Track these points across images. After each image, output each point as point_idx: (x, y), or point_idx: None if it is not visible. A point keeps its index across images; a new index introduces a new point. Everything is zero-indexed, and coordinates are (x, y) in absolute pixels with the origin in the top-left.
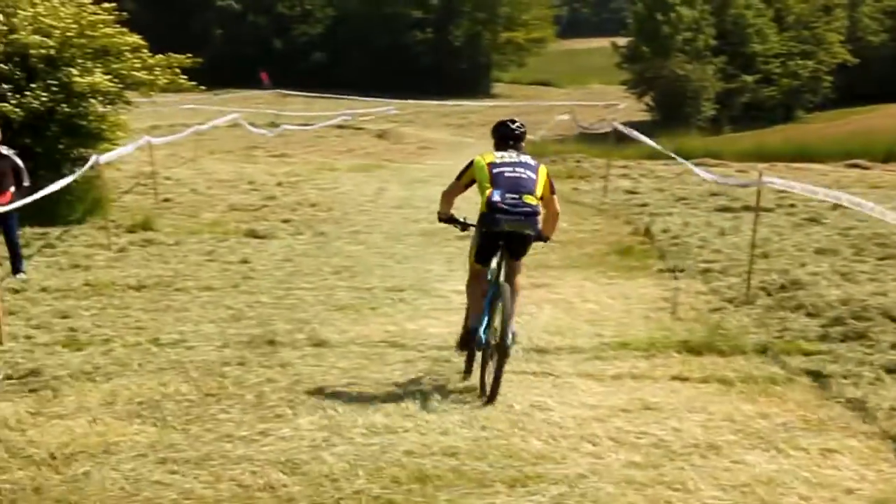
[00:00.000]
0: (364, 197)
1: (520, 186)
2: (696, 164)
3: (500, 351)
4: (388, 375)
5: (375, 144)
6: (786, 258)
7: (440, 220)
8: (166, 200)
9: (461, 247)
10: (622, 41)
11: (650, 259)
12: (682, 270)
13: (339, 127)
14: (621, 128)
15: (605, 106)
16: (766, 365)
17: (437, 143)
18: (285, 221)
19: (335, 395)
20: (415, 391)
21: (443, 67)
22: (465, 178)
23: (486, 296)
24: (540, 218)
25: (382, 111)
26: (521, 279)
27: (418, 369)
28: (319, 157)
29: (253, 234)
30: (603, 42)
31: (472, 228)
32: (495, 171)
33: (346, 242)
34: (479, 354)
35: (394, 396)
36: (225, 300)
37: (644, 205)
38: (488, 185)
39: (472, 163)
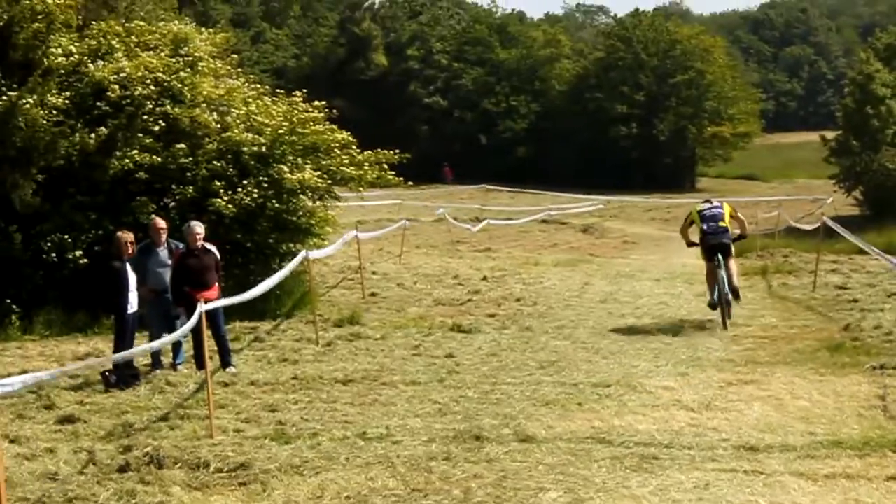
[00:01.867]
0: (569, 292)
1: (716, 218)
2: None
3: (728, 300)
4: (596, 472)
5: (580, 239)
6: None
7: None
8: (373, 295)
9: (668, 342)
10: (830, 134)
11: (862, 356)
12: (895, 368)
13: (544, 221)
14: (830, 223)
15: (812, 200)
16: None
17: (641, 237)
18: (490, 316)
19: (542, 492)
20: (622, 490)
21: (647, 162)
22: (688, 220)
23: (716, 279)
24: (729, 233)
25: (587, 206)
26: (732, 262)
27: (626, 466)
28: (524, 252)
29: (458, 329)
30: (810, 136)
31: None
32: (702, 213)
33: (552, 337)
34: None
35: (601, 493)
36: (431, 394)
37: (855, 300)
38: (699, 222)
39: (689, 213)
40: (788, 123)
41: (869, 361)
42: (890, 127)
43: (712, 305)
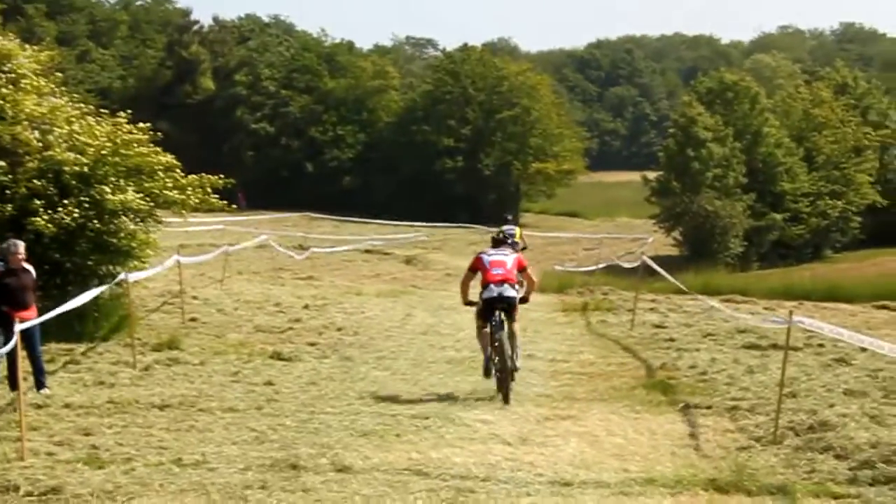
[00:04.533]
0: (390, 322)
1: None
2: (724, 301)
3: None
4: None
5: (403, 270)
6: (814, 398)
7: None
8: (193, 320)
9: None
10: (652, 175)
11: (677, 395)
12: (708, 407)
13: (367, 251)
14: (649, 262)
15: (633, 239)
16: None
17: (463, 270)
18: (311, 344)
19: None
20: None
21: (472, 196)
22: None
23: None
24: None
25: (411, 237)
26: (516, 326)
27: (442, 499)
28: (346, 281)
29: (278, 357)
30: (632, 175)
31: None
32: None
33: (372, 367)
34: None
35: None
36: (248, 422)
37: (671, 339)
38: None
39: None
40: (612, 162)
41: (683, 400)
42: (710, 170)
43: (488, 371)
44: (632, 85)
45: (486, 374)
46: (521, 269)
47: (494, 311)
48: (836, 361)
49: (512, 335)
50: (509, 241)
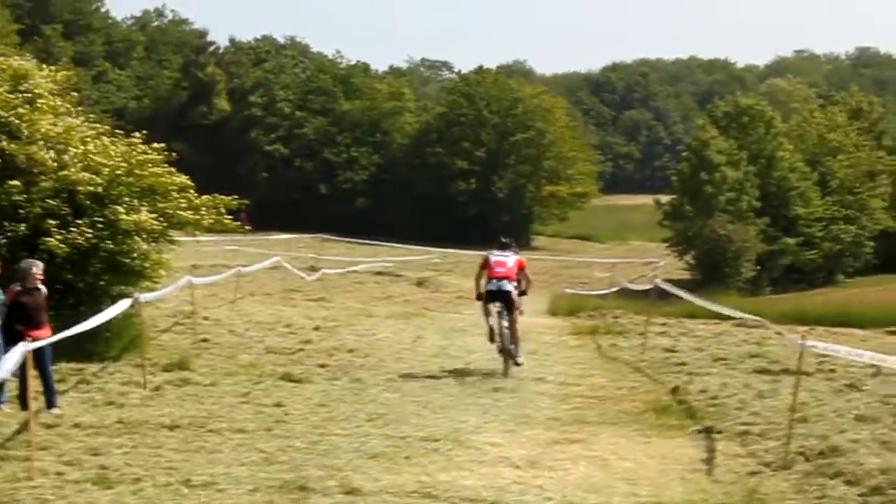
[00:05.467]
0: (401, 344)
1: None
2: (736, 326)
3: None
4: None
5: (414, 292)
6: (825, 424)
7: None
8: (204, 341)
9: (497, 398)
10: (665, 198)
11: (688, 419)
12: (719, 432)
13: (379, 273)
14: (663, 285)
15: (645, 263)
16: None
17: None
18: (321, 366)
19: None
20: None
21: (485, 218)
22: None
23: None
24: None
25: (423, 259)
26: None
27: None
28: (358, 303)
29: (288, 378)
30: (645, 199)
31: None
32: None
33: (382, 389)
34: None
35: None
36: (258, 443)
37: (682, 363)
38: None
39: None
40: (625, 186)
41: (694, 425)
42: (723, 193)
43: (492, 337)
44: (646, 108)
45: (491, 339)
46: (521, 269)
47: (494, 301)
48: (848, 387)
49: (512, 327)
50: (512, 245)
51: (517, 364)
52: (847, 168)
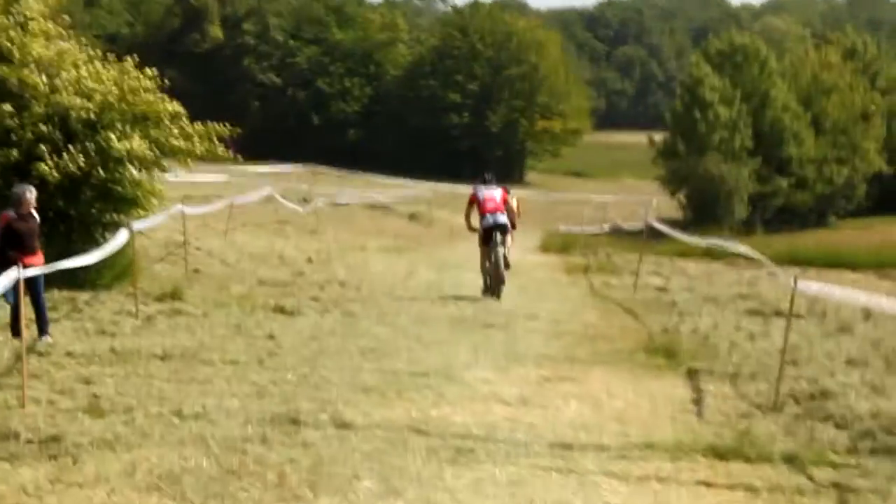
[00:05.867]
0: (393, 278)
1: (494, 199)
2: (727, 265)
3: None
4: (411, 462)
5: (406, 226)
6: (815, 366)
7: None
8: (196, 271)
9: (488, 335)
10: (658, 136)
11: (678, 359)
12: (710, 373)
13: (371, 207)
14: (657, 225)
15: (637, 202)
16: (793, 475)
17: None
18: (313, 299)
19: (356, 480)
20: (437, 482)
21: (478, 152)
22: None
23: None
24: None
25: (415, 193)
26: (508, 237)
27: (441, 458)
28: (350, 236)
29: (280, 310)
30: (638, 136)
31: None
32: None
33: (374, 323)
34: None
35: (415, 484)
36: (249, 375)
37: (673, 303)
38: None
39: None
40: (618, 122)
41: (684, 365)
42: (716, 132)
43: (486, 292)
44: (640, 45)
45: (484, 292)
46: (506, 202)
47: (492, 234)
48: (839, 330)
49: (505, 244)
50: (492, 180)
51: (501, 284)
52: (841, 109)
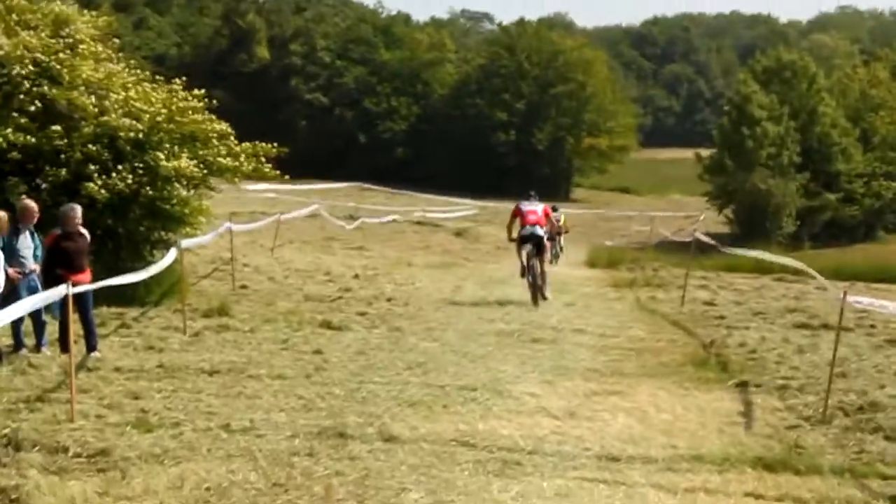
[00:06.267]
0: (440, 294)
1: (534, 213)
2: (776, 280)
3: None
4: (458, 475)
5: (453, 242)
6: (864, 379)
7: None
8: (243, 287)
9: (536, 349)
10: (706, 152)
11: (726, 372)
12: (758, 385)
13: (418, 223)
14: (704, 238)
15: (685, 217)
16: (843, 487)
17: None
18: (360, 314)
19: (403, 492)
20: (484, 494)
21: (524, 170)
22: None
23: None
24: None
25: (462, 210)
26: (545, 256)
27: (488, 470)
28: (396, 252)
29: (327, 326)
30: (685, 153)
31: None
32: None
33: (421, 338)
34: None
35: (462, 497)
36: (297, 389)
37: (721, 317)
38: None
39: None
40: (665, 139)
41: (732, 378)
42: (764, 148)
43: (524, 272)
44: (687, 62)
45: (523, 274)
46: (547, 216)
47: (527, 244)
48: (888, 342)
49: (542, 266)
50: (535, 197)
51: (545, 298)
52: (889, 124)
